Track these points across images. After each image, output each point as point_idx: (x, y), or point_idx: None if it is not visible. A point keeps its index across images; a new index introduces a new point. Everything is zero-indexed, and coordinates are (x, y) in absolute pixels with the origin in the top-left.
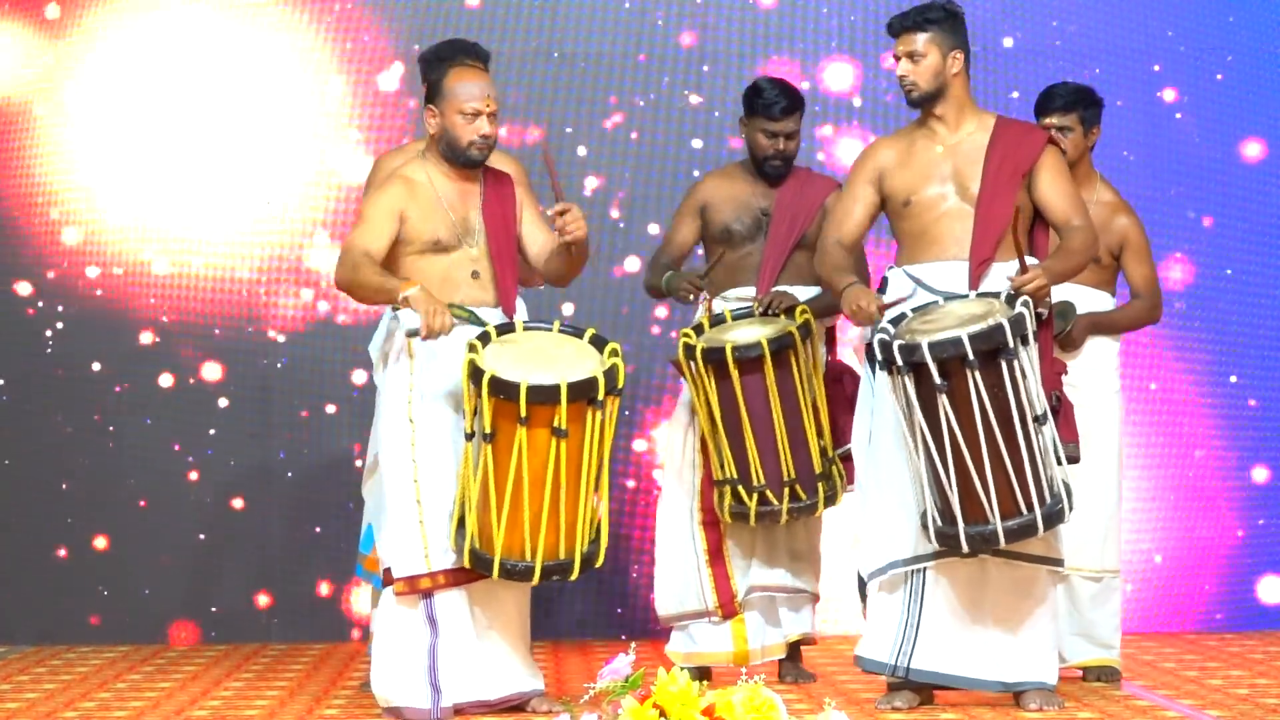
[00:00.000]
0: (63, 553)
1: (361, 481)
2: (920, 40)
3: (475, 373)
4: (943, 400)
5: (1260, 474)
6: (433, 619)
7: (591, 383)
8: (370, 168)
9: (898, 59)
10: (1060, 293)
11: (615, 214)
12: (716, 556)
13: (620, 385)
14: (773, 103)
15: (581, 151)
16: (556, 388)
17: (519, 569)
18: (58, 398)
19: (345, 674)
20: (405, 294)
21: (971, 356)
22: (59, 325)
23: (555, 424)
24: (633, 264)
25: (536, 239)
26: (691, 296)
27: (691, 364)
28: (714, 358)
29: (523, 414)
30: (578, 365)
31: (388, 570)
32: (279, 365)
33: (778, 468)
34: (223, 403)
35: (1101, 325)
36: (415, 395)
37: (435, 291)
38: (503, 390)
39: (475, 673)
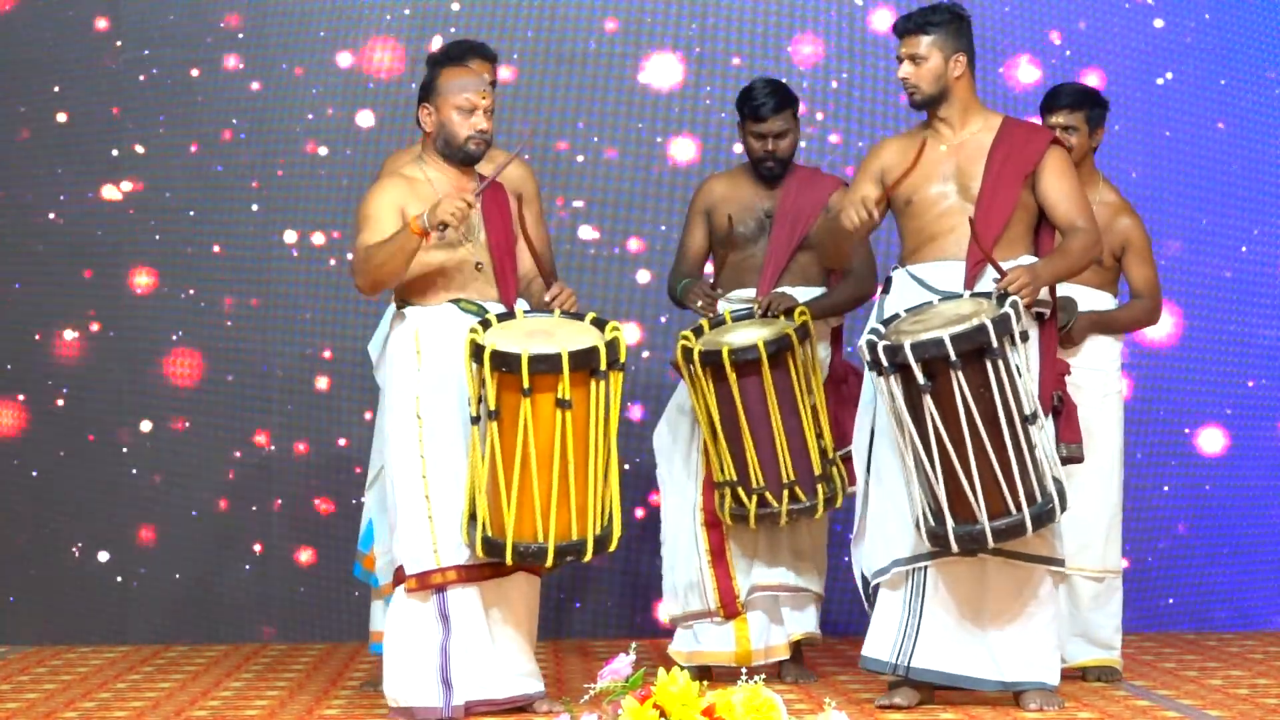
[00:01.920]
0: (76, 554)
1: (366, 483)
2: (923, 43)
3: (476, 351)
4: (927, 401)
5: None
6: (445, 615)
7: (593, 352)
8: (380, 168)
9: (900, 61)
10: (1062, 293)
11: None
12: (719, 557)
13: (622, 360)
14: (760, 104)
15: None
16: (558, 356)
17: (532, 551)
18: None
19: (345, 674)
20: (421, 219)
21: (954, 357)
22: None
23: (559, 395)
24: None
25: (523, 262)
26: (700, 304)
27: (690, 366)
28: (711, 360)
29: (525, 385)
30: (578, 338)
31: (399, 568)
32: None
33: (776, 470)
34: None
35: (1102, 325)
36: (422, 392)
37: (442, 284)
38: (504, 363)
39: (485, 671)
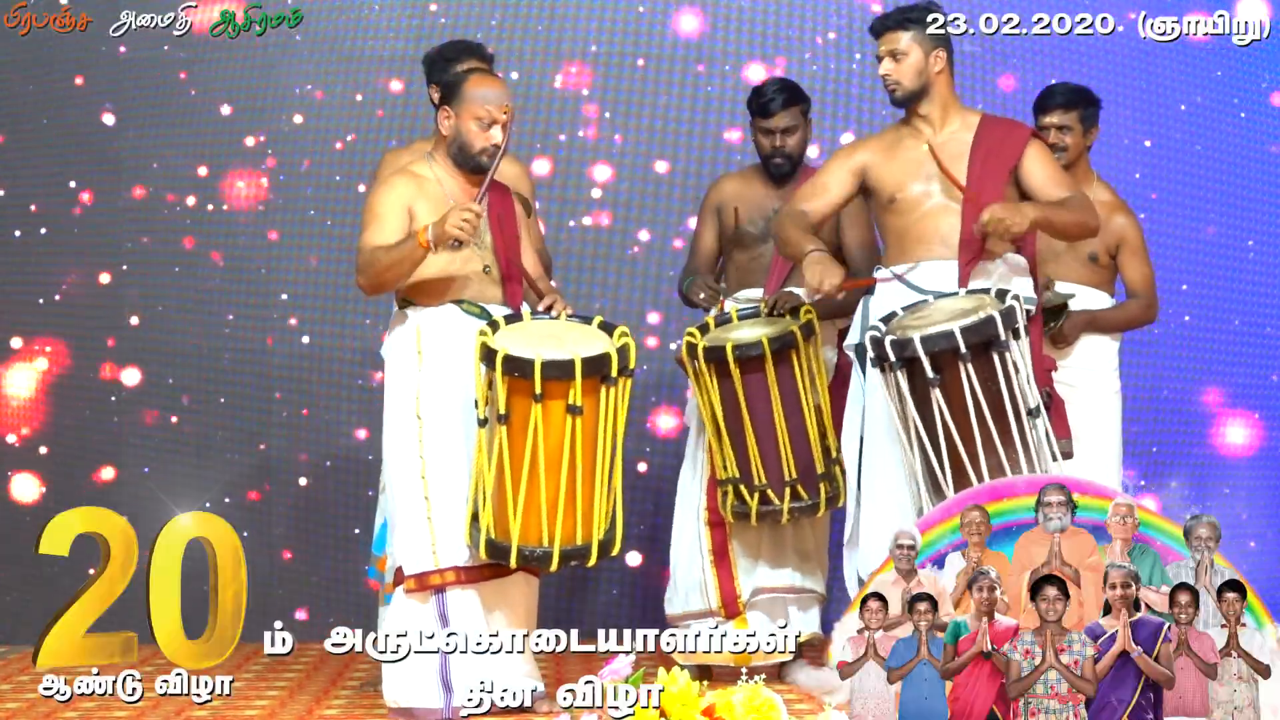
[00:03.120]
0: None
1: (380, 486)
2: (903, 39)
3: (488, 354)
4: (936, 394)
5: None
6: (444, 617)
7: (604, 358)
8: (378, 165)
9: (880, 59)
10: (1063, 291)
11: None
12: (721, 556)
13: (632, 366)
14: (768, 100)
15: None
16: (571, 362)
17: (537, 555)
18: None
19: (345, 674)
20: (428, 234)
21: (964, 349)
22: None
23: (570, 401)
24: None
25: (527, 261)
26: (703, 296)
27: (694, 363)
28: (715, 356)
29: (537, 390)
30: (589, 343)
31: (398, 569)
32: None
33: (779, 467)
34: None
35: (1097, 324)
36: (423, 392)
37: (445, 286)
38: (517, 368)
39: (485, 672)
